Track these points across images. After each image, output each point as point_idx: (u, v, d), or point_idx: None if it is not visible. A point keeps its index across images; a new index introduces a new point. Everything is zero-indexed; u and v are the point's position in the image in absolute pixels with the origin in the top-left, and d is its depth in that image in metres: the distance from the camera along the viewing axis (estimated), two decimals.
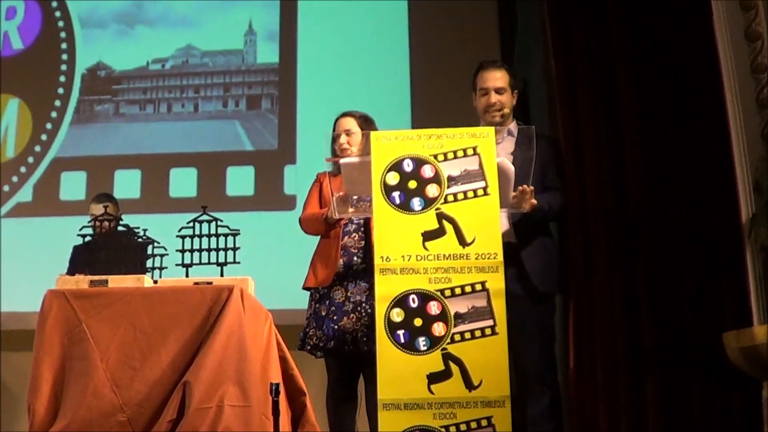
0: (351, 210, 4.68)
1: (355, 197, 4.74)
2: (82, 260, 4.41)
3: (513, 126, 5.02)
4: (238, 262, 4.30)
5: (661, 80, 5.08)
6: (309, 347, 4.96)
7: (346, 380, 5.06)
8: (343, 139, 5.10)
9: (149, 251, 4.37)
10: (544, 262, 4.88)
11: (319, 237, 5.14)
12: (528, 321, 4.75)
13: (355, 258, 4.99)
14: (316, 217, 5.07)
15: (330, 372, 5.09)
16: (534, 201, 4.54)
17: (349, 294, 4.93)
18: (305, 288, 5.10)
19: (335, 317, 4.90)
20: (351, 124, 5.15)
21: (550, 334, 4.96)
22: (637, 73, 5.12)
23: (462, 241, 4.05)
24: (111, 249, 4.30)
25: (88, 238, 4.35)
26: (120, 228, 4.39)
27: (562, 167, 5.08)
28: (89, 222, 4.42)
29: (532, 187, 4.47)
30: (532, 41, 6.34)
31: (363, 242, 5.00)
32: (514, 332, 4.21)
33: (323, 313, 4.94)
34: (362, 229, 5.02)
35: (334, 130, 5.19)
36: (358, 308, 4.89)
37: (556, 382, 4.92)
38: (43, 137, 7.61)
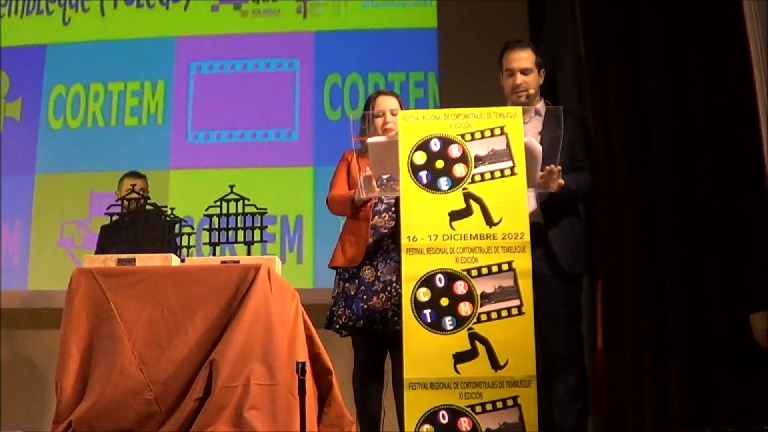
0: (378, 190, 4.67)
1: (385, 177, 4.73)
2: (109, 239, 4.42)
3: (541, 105, 5.01)
4: (266, 241, 4.31)
5: (690, 61, 5.04)
6: (337, 326, 4.95)
7: (374, 359, 5.05)
8: (389, 117, 5.05)
9: (177, 230, 4.38)
10: (571, 242, 4.86)
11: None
12: (555, 301, 4.74)
13: (386, 238, 4.97)
14: (343, 199, 5.05)
15: (357, 351, 5.09)
16: (561, 181, 4.53)
17: (379, 273, 4.92)
18: (332, 267, 5.10)
19: (365, 297, 4.89)
20: (394, 103, 5.12)
21: (578, 315, 4.96)
22: (666, 54, 5.09)
23: (489, 221, 4.06)
24: (139, 228, 4.31)
25: (115, 218, 4.37)
26: (148, 206, 4.41)
27: (590, 147, 5.06)
28: (117, 201, 4.43)
29: (559, 167, 4.47)
30: (562, 21, 6.31)
31: (393, 222, 4.97)
32: (541, 312, 4.21)
33: (352, 293, 4.93)
34: (393, 209, 4.99)
35: (371, 107, 5.14)
36: (388, 288, 4.88)
37: (583, 362, 4.92)
38: None
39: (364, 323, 4.89)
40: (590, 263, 5.01)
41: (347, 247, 5.03)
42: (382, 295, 4.88)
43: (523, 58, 5.02)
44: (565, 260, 4.81)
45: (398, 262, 4.82)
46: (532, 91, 5.00)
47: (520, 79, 4.97)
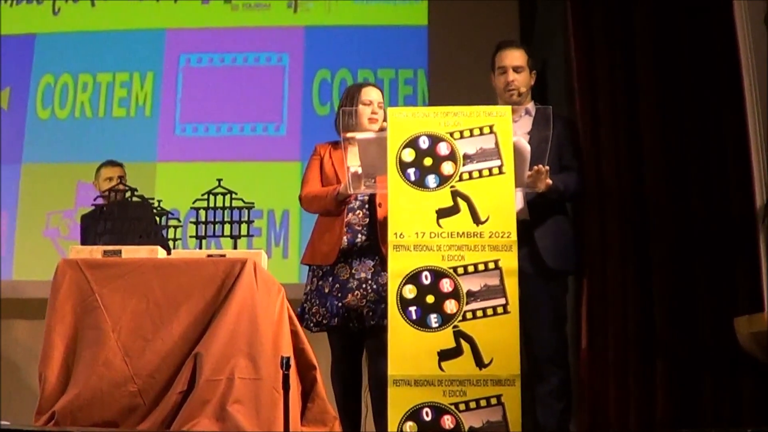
0: (364, 187, 4.65)
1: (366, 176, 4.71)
2: (95, 230, 4.41)
3: (531, 106, 5.02)
4: (252, 235, 4.31)
5: (681, 64, 5.06)
6: (311, 324, 4.93)
7: (350, 357, 5.04)
8: (376, 108, 5.04)
9: (163, 222, 4.38)
10: (557, 240, 4.87)
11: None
12: (540, 300, 4.74)
13: (360, 235, 4.95)
14: (323, 194, 4.99)
15: (334, 349, 5.06)
16: (549, 181, 4.54)
17: (353, 271, 4.91)
18: (305, 263, 5.09)
19: (339, 295, 4.88)
20: (380, 96, 5.11)
21: (562, 314, 4.96)
22: (656, 55, 5.10)
23: (476, 219, 4.06)
24: (125, 219, 4.31)
25: (97, 206, 4.35)
26: (135, 198, 4.40)
27: (579, 148, 5.06)
28: (104, 192, 4.43)
29: (547, 167, 4.47)
30: (553, 21, 6.32)
31: (368, 219, 4.96)
32: (526, 311, 4.20)
33: (326, 290, 4.92)
34: (366, 206, 4.98)
35: (356, 99, 5.09)
36: (363, 285, 4.87)
37: (567, 362, 4.92)
38: None
39: (338, 321, 4.89)
40: (576, 261, 5.01)
41: (320, 244, 5.00)
42: (357, 292, 4.87)
43: (516, 56, 5.04)
44: (550, 258, 4.81)
45: (373, 259, 4.84)
46: (523, 90, 5.01)
47: (512, 76, 4.98)
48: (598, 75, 5.25)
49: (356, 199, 4.97)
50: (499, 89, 5.05)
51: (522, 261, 4.21)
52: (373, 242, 4.88)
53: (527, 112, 4.99)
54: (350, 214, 4.98)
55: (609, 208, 5.03)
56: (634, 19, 5.22)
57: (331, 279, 4.93)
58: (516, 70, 5.00)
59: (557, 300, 4.90)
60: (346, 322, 4.89)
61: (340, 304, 4.87)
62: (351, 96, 5.12)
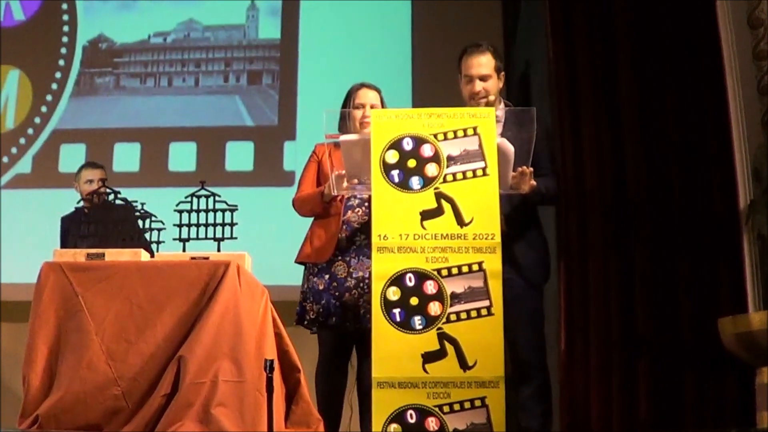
0: (344, 187, 4.63)
1: (355, 180, 4.69)
2: (78, 233, 4.39)
3: (501, 112, 4.87)
4: (235, 238, 4.29)
5: (663, 65, 5.08)
6: (306, 321, 4.92)
7: (340, 356, 5.01)
8: (368, 111, 4.97)
9: (147, 225, 4.36)
10: (533, 255, 4.81)
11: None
12: (517, 304, 4.69)
13: (359, 233, 4.95)
14: (311, 196, 5.00)
15: (324, 346, 5.02)
16: (533, 182, 4.51)
17: (351, 269, 4.90)
18: (299, 262, 5.07)
19: (336, 293, 4.88)
20: (375, 98, 5.08)
21: (539, 317, 4.92)
22: (638, 57, 5.12)
23: (460, 221, 4.06)
24: (109, 222, 4.29)
25: (78, 209, 4.33)
26: (118, 201, 4.38)
27: (553, 152, 5.00)
28: (88, 195, 4.41)
29: (531, 168, 4.44)
30: (536, 21, 6.32)
31: (366, 217, 4.94)
32: (505, 315, 4.19)
33: (321, 287, 4.91)
34: (366, 203, 4.96)
35: (350, 100, 5.10)
36: (361, 284, 4.86)
37: (546, 365, 4.90)
38: (43, 109, 7.60)
39: (336, 319, 4.88)
40: (548, 270, 4.98)
41: (315, 241, 4.99)
42: (354, 291, 4.86)
43: (483, 64, 4.85)
44: (527, 273, 4.77)
45: (370, 258, 4.81)
46: (491, 98, 4.84)
47: (479, 86, 4.80)
48: (579, 75, 5.25)
49: (356, 197, 4.96)
50: (466, 97, 4.89)
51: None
52: (371, 241, 4.86)
53: (497, 120, 4.88)
54: (349, 212, 4.98)
55: (590, 208, 5.04)
56: (614, 17, 5.23)
57: (327, 277, 4.92)
58: (482, 79, 4.82)
59: (534, 303, 4.84)
60: (342, 320, 4.88)
61: (337, 303, 4.87)
62: (348, 97, 5.13)
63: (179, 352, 3.85)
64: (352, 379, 5.05)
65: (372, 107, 4.99)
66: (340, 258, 4.93)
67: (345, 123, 5.01)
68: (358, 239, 4.95)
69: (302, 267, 5.11)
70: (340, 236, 4.94)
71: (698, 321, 4.71)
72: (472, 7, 7.22)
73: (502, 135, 4.47)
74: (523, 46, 6.60)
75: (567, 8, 5.36)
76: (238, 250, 4.21)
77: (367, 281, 4.82)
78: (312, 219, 5.11)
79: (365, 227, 4.92)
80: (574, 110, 5.18)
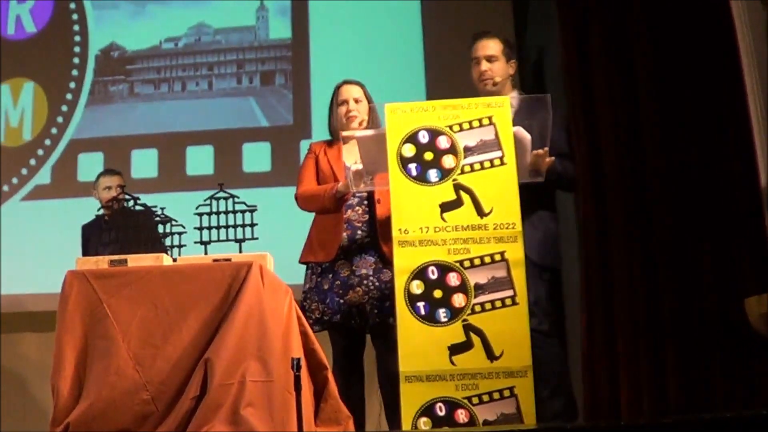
0: (363, 185, 4.64)
1: (370, 177, 4.69)
2: (100, 240, 4.41)
3: (514, 96, 4.93)
4: (256, 238, 4.30)
5: (679, 44, 5.03)
6: (310, 321, 4.86)
7: (351, 354, 5.05)
8: (352, 105, 5.05)
9: (167, 229, 4.37)
10: (541, 235, 4.79)
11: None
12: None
13: (360, 232, 4.96)
14: (321, 194, 4.99)
15: (335, 346, 5.06)
16: (549, 160, 4.48)
17: (354, 268, 4.91)
18: (303, 262, 5.08)
19: (340, 291, 4.89)
20: (358, 92, 5.12)
21: (546, 299, 4.86)
22: (654, 37, 5.08)
23: (480, 212, 4.07)
24: (130, 228, 4.31)
25: (98, 216, 4.34)
26: (138, 207, 4.39)
27: (570, 136, 5.02)
28: (107, 202, 4.42)
29: (546, 149, 4.42)
30: (548, 7, 6.29)
31: (367, 216, 4.96)
32: None
33: (326, 287, 4.92)
34: (365, 202, 4.99)
35: (335, 97, 5.16)
36: (365, 281, 4.87)
37: (562, 355, 4.89)
38: (59, 119, 7.61)
39: (341, 318, 4.90)
40: (558, 257, 4.97)
41: (318, 243, 5.02)
42: (358, 289, 4.87)
43: (489, 46, 5.03)
44: (534, 253, 4.74)
45: (374, 256, 4.83)
46: (498, 79, 4.99)
47: (485, 65, 4.97)
48: (593, 58, 5.22)
49: (355, 195, 4.96)
50: (475, 80, 5.05)
51: None
52: (373, 239, 4.89)
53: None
54: (349, 211, 4.98)
55: (610, 194, 5.00)
56: (631, 3, 5.19)
57: (331, 276, 4.93)
58: (489, 59, 4.99)
59: (537, 281, 4.80)
60: (347, 319, 4.90)
61: (342, 301, 4.88)
62: (332, 96, 5.20)
63: (206, 355, 3.85)
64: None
65: (356, 101, 5.05)
66: (342, 257, 4.95)
67: (334, 123, 5.10)
68: (359, 238, 4.96)
69: None
70: (341, 235, 4.95)
71: (724, 302, 4.67)
72: None
73: (518, 123, 4.50)
74: (534, 33, 6.58)
75: None
76: (259, 250, 4.21)
77: (371, 278, 4.85)
78: (312, 218, 5.13)
79: (366, 226, 4.95)
80: (589, 93, 5.15)
